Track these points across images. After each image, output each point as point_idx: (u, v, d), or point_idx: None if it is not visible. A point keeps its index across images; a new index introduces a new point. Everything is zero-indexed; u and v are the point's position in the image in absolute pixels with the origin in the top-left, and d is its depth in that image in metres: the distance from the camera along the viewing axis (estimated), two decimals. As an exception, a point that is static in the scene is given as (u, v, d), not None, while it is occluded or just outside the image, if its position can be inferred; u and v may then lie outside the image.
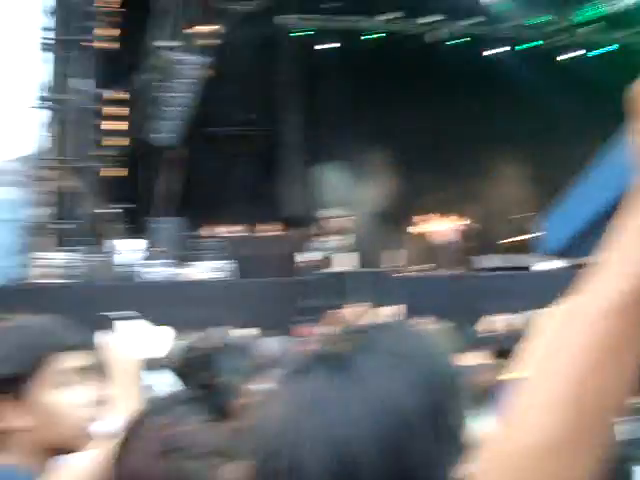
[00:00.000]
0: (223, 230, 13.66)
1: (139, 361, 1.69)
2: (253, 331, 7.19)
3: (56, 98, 13.49)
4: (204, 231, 13.29)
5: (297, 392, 0.69)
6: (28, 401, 1.26)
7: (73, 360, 1.30)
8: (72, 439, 1.30)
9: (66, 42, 13.49)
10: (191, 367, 2.26)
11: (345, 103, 14.59)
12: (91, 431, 1.32)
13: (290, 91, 15.15)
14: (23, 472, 1.26)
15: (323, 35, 16.32)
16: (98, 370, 1.39)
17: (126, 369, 1.58)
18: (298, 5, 15.29)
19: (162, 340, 2.10)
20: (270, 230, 13.79)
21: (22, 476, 1.27)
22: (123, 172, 13.30)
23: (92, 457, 1.34)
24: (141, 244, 13.10)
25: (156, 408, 1.36)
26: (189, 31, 12.46)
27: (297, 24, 15.57)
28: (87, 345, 1.39)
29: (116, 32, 14.00)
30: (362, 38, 16.37)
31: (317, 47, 16.55)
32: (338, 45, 16.38)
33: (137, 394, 1.57)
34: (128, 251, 12.44)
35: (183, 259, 12.51)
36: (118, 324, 1.72)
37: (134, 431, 1.25)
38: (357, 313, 8.06)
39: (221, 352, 2.34)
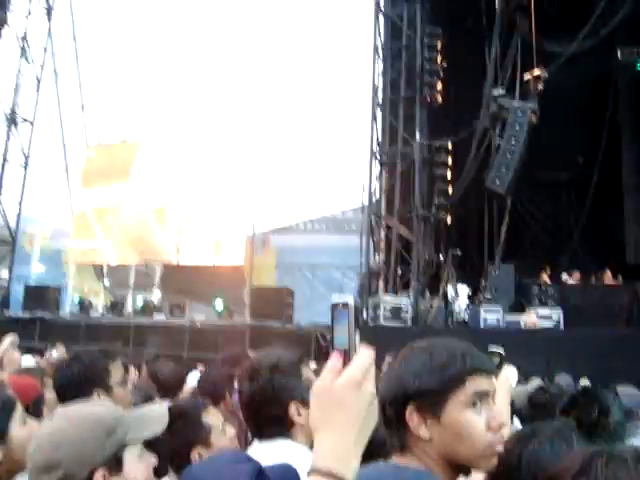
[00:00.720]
0: (562, 277, 13.15)
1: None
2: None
3: (388, 151, 14.39)
4: (536, 278, 12.90)
5: None
6: (442, 416, 1.33)
7: (484, 384, 1.37)
8: (478, 458, 1.35)
9: (396, 99, 14.38)
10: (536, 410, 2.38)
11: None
12: (497, 453, 1.36)
13: (626, 130, 14.25)
14: (435, 478, 1.33)
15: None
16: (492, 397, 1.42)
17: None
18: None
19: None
20: (608, 278, 12.93)
21: None
22: (455, 219, 13.57)
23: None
24: (469, 290, 13.17)
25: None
26: (524, 77, 12.44)
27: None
28: (494, 372, 1.47)
29: (440, 86, 14.56)
30: None
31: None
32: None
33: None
34: (460, 296, 12.56)
35: (513, 305, 12.29)
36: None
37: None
38: None
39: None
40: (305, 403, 1.99)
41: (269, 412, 1.98)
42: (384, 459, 1.40)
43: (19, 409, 2.01)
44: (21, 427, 1.97)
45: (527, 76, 12.89)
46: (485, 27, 13.80)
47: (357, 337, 0.99)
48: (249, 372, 2.05)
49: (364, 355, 0.97)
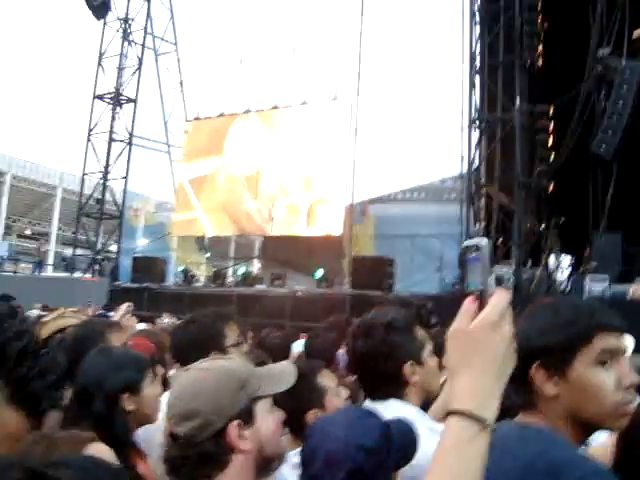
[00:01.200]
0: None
1: None
2: None
3: (487, 118, 14.11)
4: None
5: None
6: (569, 373, 1.31)
7: (613, 341, 1.33)
8: (607, 418, 1.31)
9: (495, 64, 14.02)
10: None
11: None
12: (628, 412, 1.31)
13: None
14: (560, 436, 1.31)
15: None
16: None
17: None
18: None
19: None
20: None
21: (560, 439, 1.30)
22: (557, 186, 13.19)
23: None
24: (572, 259, 12.83)
25: None
26: (634, 36, 11.84)
27: None
28: (624, 329, 1.40)
29: (540, 48, 14.06)
30: None
31: None
32: None
33: None
34: (563, 266, 12.26)
35: (621, 274, 11.86)
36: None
37: None
38: None
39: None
40: (420, 362, 2.02)
41: (384, 370, 1.97)
42: (511, 417, 1.40)
43: (149, 368, 2.22)
44: (151, 384, 2.19)
45: (637, 33, 12.25)
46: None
47: (492, 279, 0.98)
48: (363, 329, 2.05)
49: (500, 296, 0.96)
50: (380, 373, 1.98)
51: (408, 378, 1.98)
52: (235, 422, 1.44)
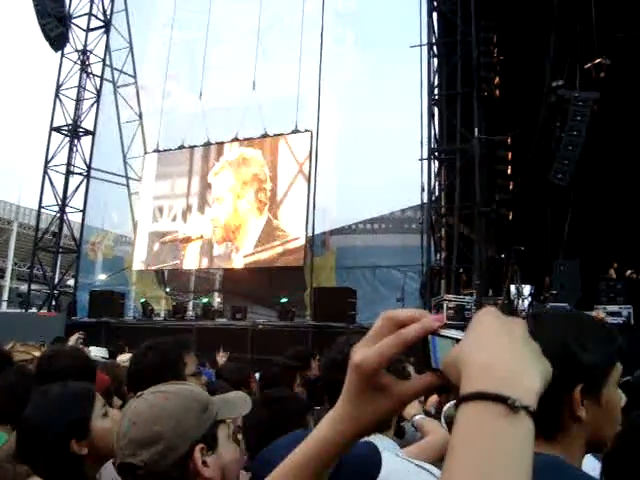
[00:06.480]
0: (625, 272, 12.78)
1: None
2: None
3: (446, 148, 14.25)
4: (605, 273, 12.56)
5: None
6: (601, 395, 1.19)
7: None
8: (611, 439, 1.24)
9: (453, 95, 14.22)
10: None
11: None
12: None
13: None
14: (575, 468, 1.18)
15: None
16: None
17: None
18: None
19: None
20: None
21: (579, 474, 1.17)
22: (516, 215, 13.32)
23: None
24: (532, 288, 12.93)
25: None
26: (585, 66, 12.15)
27: None
28: None
29: (497, 80, 14.31)
30: None
31: None
32: None
33: None
34: (524, 294, 12.33)
35: (580, 301, 11.97)
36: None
37: None
38: None
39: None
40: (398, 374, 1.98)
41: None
42: None
43: (100, 400, 2.00)
44: (103, 418, 1.94)
45: (590, 65, 12.57)
46: (542, 17, 13.51)
47: None
48: (336, 357, 1.98)
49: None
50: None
51: None
52: (200, 445, 1.35)
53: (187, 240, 17.36)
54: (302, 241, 15.17)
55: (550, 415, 1.13)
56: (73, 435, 1.82)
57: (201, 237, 17.12)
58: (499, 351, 0.65)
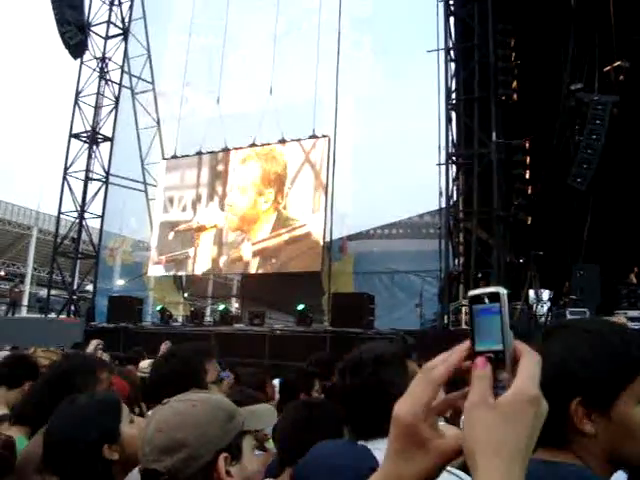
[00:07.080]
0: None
1: None
2: None
3: (464, 153, 14.19)
4: (625, 278, 12.43)
5: None
6: (612, 410, 1.16)
7: None
8: None
9: (471, 99, 14.17)
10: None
11: None
12: None
13: None
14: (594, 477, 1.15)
15: None
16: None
17: None
18: None
19: None
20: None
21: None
22: (535, 219, 13.22)
23: None
24: (550, 293, 12.82)
25: None
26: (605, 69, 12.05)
27: None
28: None
29: (515, 84, 14.24)
30: None
31: None
32: None
33: None
34: (543, 299, 12.23)
35: (600, 307, 11.85)
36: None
37: None
38: None
39: None
40: None
41: (373, 407, 1.82)
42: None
43: (125, 408, 2.03)
44: (130, 425, 1.98)
45: (607, 67, 12.47)
46: (560, 20, 13.44)
47: (511, 336, 0.74)
48: (351, 364, 1.92)
49: (531, 359, 0.73)
50: (369, 410, 1.84)
51: None
52: (224, 454, 1.34)
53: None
54: (320, 246, 15.19)
55: (555, 427, 1.13)
56: (106, 441, 1.85)
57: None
58: (510, 459, 0.71)
